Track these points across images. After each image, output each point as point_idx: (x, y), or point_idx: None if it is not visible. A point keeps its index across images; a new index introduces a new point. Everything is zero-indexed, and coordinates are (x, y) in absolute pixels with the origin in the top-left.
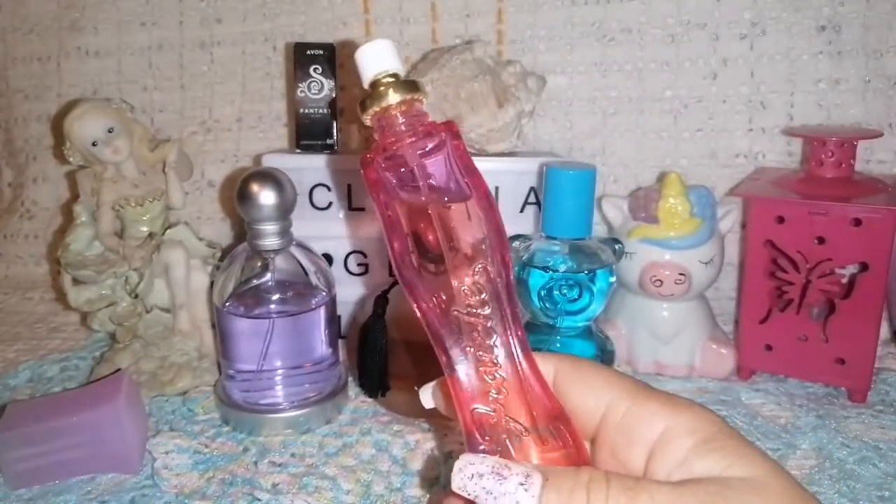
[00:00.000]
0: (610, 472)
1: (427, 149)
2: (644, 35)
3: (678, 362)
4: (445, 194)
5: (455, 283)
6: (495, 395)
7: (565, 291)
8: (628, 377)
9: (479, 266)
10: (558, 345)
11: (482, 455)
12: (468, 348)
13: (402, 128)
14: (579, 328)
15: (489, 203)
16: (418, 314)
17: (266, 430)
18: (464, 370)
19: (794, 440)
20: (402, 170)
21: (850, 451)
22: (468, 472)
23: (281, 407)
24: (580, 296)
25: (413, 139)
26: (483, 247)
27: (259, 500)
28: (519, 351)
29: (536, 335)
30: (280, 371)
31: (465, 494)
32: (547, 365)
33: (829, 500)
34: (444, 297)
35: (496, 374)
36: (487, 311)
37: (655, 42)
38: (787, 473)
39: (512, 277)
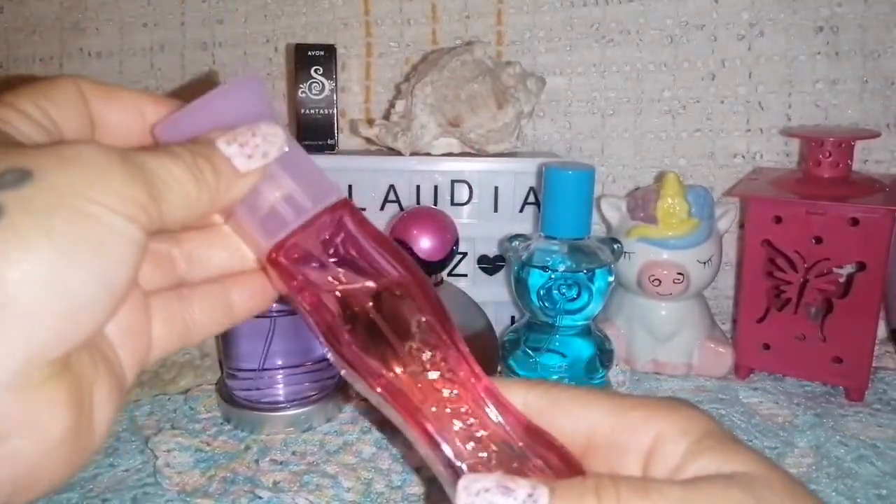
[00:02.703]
0: (615, 475)
1: (327, 235)
2: (643, 36)
3: (676, 361)
4: (362, 271)
5: (402, 350)
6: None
7: (564, 291)
8: (603, 391)
9: (416, 325)
10: (557, 343)
11: (484, 472)
12: (447, 426)
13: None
14: (578, 327)
15: (400, 258)
16: (381, 393)
17: (267, 429)
18: (449, 448)
19: (791, 438)
20: (311, 260)
21: (848, 449)
22: (474, 489)
23: (282, 405)
24: (579, 295)
25: (308, 228)
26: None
27: (260, 497)
28: (489, 403)
29: (536, 334)
30: (281, 370)
31: None
32: (515, 396)
33: (826, 498)
34: (397, 370)
35: (479, 433)
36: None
37: (654, 43)
38: (780, 468)
39: (447, 313)
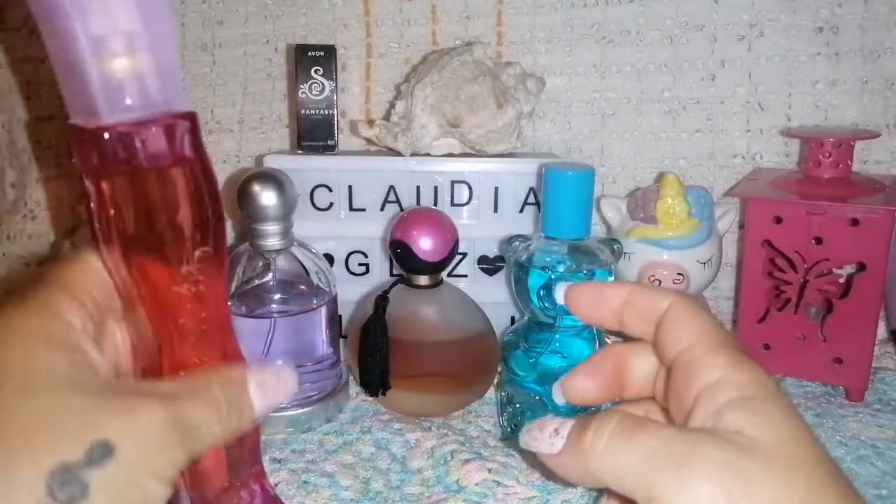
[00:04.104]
0: (627, 413)
1: (160, 142)
2: (643, 37)
3: None
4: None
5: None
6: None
7: None
8: (723, 331)
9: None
10: (557, 344)
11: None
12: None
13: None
14: (578, 327)
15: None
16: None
17: (268, 429)
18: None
19: None
20: (126, 154)
21: (848, 449)
22: (525, 429)
23: (282, 405)
24: None
25: (148, 123)
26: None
27: None
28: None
29: (536, 334)
30: None
31: (526, 447)
32: (664, 301)
33: None
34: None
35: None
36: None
37: (654, 44)
38: (812, 446)
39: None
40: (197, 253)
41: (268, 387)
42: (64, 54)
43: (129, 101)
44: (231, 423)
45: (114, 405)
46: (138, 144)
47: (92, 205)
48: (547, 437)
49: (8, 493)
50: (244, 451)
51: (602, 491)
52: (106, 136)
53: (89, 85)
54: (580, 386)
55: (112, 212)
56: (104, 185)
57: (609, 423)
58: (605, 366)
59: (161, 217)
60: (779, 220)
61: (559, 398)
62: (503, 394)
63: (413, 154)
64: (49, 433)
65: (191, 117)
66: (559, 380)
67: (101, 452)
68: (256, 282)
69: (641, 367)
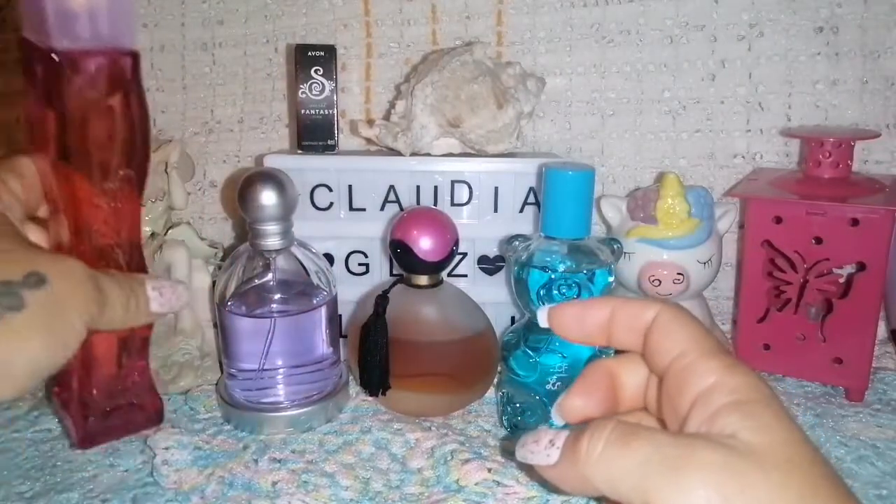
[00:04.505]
0: (621, 420)
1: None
2: (643, 37)
3: None
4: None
5: None
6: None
7: (564, 291)
8: (712, 337)
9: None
10: (557, 343)
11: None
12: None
13: None
14: None
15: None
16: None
17: (267, 429)
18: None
19: None
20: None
21: (848, 449)
22: (520, 443)
23: (282, 405)
24: (579, 295)
25: (94, 55)
26: None
27: (258, 495)
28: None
29: (536, 334)
30: (281, 370)
31: (523, 460)
32: (649, 311)
33: None
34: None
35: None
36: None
37: (654, 43)
38: (806, 448)
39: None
40: (120, 173)
41: (164, 291)
42: None
43: (79, 32)
44: (130, 306)
45: (46, 253)
46: (83, 70)
47: (34, 113)
48: (542, 448)
49: None
50: (133, 345)
51: (601, 500)
52: (55, 57)
53: (46, 11)
54: (577, 405)
55: (50, 124)
56: (46, 100)
57: (604, 430)
58: (598, 382)
59: (94, 138)
60: (779, 220)
61: (558, 420)
62: (503, 394)
63: (413, 154)
64: None
65: (133, 55)
66: (556, 402)
67: (36, 280)
68: (256, 282)
69: (632, 379)
